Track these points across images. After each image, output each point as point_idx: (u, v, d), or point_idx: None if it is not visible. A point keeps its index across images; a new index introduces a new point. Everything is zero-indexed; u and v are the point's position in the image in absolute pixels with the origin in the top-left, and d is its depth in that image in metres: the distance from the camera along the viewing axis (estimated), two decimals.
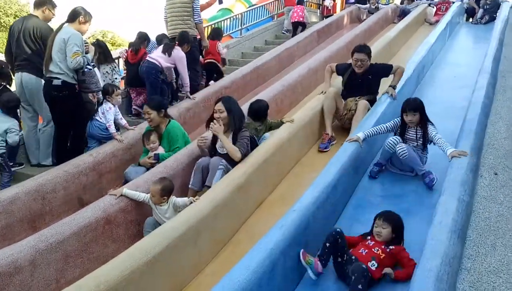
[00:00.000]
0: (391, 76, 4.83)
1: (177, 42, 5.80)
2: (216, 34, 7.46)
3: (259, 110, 4.38)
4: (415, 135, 3.66)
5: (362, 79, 4.72)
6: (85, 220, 3.18)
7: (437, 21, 9.50)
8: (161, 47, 5.73)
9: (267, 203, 3.76)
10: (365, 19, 10.93)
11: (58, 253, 2.97)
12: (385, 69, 4.78)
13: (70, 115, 4.45)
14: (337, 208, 3.29)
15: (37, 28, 4.68)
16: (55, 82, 4.31)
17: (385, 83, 4.91)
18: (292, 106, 6.03)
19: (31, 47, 4.67)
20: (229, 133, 3.76)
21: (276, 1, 12.00)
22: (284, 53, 8.18)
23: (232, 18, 10.71)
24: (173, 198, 3.40)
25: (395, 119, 3.78)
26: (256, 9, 11.73)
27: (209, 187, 3.57)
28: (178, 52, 5.60)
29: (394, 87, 4.74)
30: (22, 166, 4.76)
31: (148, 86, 5.56)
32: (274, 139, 4.09)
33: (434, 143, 3.59)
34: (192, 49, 6.09)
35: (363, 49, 4.69)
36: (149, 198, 3.42)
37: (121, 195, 3.43)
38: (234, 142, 3.70)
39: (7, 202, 3.52)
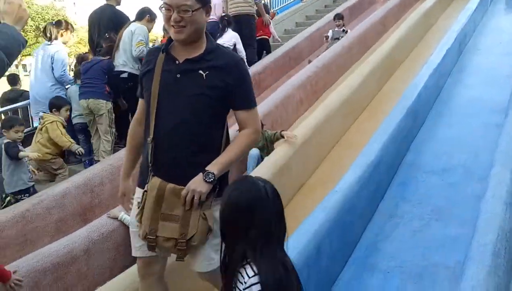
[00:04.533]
0: None
1: None
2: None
3: None
4: None
5: None
6: None
7: None
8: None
9: (308, 185, 3.72)
10: None
11: (110, 242, 3.08)
12: None
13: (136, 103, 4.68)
14: (381, 187, 3.21)
15: (114, 13, 5.19)
16: (123, 75, 4.65)
17: None
18: (327, 86, 5.91)
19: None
20: None
21: None
22: (315, 34, 8.00)
23: None
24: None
25: None
26: None
27: None
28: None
29: None
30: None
31: None
32: (311, 121, 4.03)
33: None
34: (251, 27, 6.50)
35: None
36: None
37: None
38: None
39: (59, 197, 3.68)
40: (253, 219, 1.32)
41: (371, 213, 3.00)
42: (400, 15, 8.91)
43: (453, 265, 2.48)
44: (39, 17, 29.79)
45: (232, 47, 5.73)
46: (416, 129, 3.92)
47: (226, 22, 6.18)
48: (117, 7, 5.38)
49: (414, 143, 3.77)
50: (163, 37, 6.30)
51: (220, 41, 6.29)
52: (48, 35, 4.82)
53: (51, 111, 4.47)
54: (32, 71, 5.00)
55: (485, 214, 2.30)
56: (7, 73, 4.10)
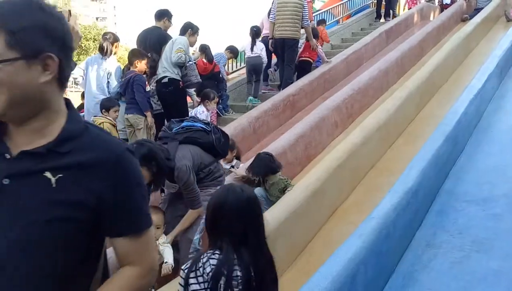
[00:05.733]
0: None
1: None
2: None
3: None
4: None
5: None
6: None
7: None
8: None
9: (342, 210, 3.67)
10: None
11: None
12: None
13: (176, 109, 4.93)
14: (419, 215, 3.12)
15: (161, 34, 5.50)
16: (164, 80, 4.93)
17: None
18: (363, 110, 5.86)
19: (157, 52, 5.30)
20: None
21: None
22: (351, 57, 8.00)
23: None
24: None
25: None
26: None
27: None
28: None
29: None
30: None
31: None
32: (346, 144, 4.00)
33: None
34: (294, 50, 6.80)
35: None
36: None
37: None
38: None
39: None
40: (216, 220, 1.72)
41: (408, 241, 2.91)
42: (439, 38, 8.79)
43: None
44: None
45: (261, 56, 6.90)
46: (456, 157, 3.81)
47: (255, 33, 6.98)
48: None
49: (453, 171, 3.65)
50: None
51: (250, 53, 7.00)
52: (105, 50, 5.05)
53: (101, 112, 4.78)
54: (85, 84, 5.16)
55: None
56: None
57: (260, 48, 6.94)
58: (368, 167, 4.16)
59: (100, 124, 4.50)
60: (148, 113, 4.75)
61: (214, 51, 6.63)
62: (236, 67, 8.58)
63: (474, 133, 4.19)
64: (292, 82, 6.89)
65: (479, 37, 7.90)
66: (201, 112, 4.98)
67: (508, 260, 2.56)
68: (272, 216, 3.12)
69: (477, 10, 9.52)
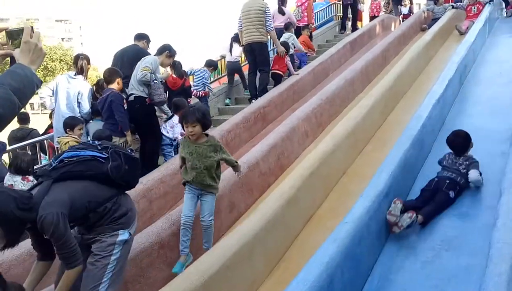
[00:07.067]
0: None
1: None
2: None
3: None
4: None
5: None
6: (140, 245, 3.26)
7: (467, 29, 8.83)
8: None
9: (317, 216, 3.71)
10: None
11: None
12: None
13: (145, 125, 4.91)
14: None
15: (139, 50, 5.58)
16: (130, 98, 4.86)
17: None
18: (332, 119, 5.98)
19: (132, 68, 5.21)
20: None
21: None
22: (318, 68, 8.18)
23: None
24: None
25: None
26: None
27: None
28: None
29: None
30: None
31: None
32: (317, 153, 4.07)
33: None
34: (264, 53, 7.05)
35: None
36: None
37: None
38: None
39: None
40: None
41: (382, 244, 2.98)
42: (401, 48, 9.13)
43: None
44: (47, 58, 30.59)
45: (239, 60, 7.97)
46: (423, 159, 3.94)
47: (233, 39, 7.86)
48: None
49: (421, 173, 3.78)
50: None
51: (230, 57, 7.87)
52: (82, 69, 4.98)
53: (65, 131, 4.61)
54: (55, 104, 5.03)
55: (498, 243, 2.28)
56: None
57: (239, 52, 7.89)
58: (339, 173, 4.24)
59: (65, 143, 4.40)
60: (128, 133, 4.72)
61: (200, 59, 7.41)
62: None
63: (438, 136, 4.35)
64: (267, 85, 7.17)
65: (437, 46, 8.26)
66: (177, 122, 4.98)
67: (477, 257, 2.65)
68: (247, 227, 3.13)
69: (434, 20, 9.97)
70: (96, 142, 2.65)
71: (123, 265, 2.56)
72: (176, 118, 5.12)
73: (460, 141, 3.51)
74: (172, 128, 5.13)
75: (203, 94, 7.02)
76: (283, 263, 3.25)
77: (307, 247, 3.17)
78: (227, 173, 4.08)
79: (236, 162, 3.52)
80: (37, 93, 2.80)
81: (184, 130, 3.37)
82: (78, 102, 4.92)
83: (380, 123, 5.32)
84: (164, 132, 5.14)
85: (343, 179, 4.20)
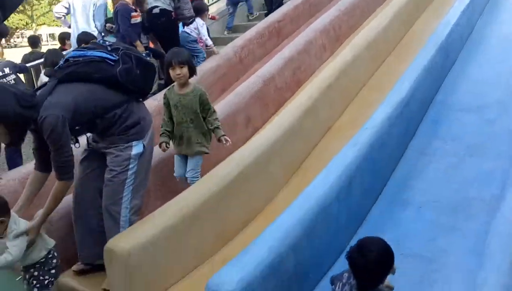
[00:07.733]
0: None
1: None
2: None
3: None
4: None
5: None
6: (159, 155, 3.25)
7: None
8: None
9: (336, 127, 3.64)
10: None
11: None
12: None
13: (168, 41, 4.71)
14: (412, 125, 3.11)
15: None
16: (155, 10, 4.65)
17: None
18: (352, 30, 5.67)
19: None
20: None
21: None
22: None
23: None
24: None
25: None
26: None
27: None
28: None
29: None
30: None
31: None
32: (336, 63, 3.89)
33: None
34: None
35: None
36: None
37: None
38: None
39: None
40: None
41: (402, 150, 2.92)
42: None
43: (489, 198, 2.42)
44: None
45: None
46: (448, 68, 3.76)
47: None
48: None
49: (446, 82, 3.62)
50: None
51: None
52: None
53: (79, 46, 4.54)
54: (73, 16, 4.98)
55: None
56: (28, 34, 4.03)
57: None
58: (359, 85, 4.09)
59: None
60: (138, 43, 4.52)
61: None
62: None
63: (466, 45, 4.10)
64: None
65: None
66: (201, 24, 4.86)
67: (500, 159, 2.59)
68: (265, 136, 3.08)
69: None
70: (106, 42, 2.49)
71: (145, 177, 2.48)
72: (199, 20, 4.99)
73: (368, 264, 1.55)
74: (196, 29, 4.98)
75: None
76: (300, 172, 3.24)
77: (326, 155, 3.12)
78: (240, 88, 3.98)
79: (219, 127, 2.90)
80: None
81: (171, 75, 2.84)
82: (93, 15, 4.79)
83: (403, 35, 5.02)
84: (187, 30, 4.99)
85: (363, 91, 4.05)
